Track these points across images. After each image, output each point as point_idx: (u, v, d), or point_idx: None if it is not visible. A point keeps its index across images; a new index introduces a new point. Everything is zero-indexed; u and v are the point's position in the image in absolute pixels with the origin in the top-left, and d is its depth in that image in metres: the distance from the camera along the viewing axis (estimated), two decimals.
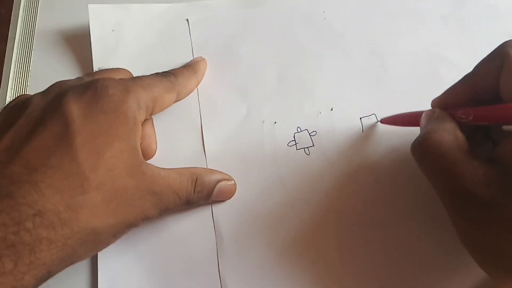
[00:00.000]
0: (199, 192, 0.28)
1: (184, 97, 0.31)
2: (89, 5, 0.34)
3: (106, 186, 0.23)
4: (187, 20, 0.34)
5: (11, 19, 0.37)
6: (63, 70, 0.34)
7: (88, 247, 0.24)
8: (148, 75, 0.29)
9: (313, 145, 0.30)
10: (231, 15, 0.34)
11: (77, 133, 0.23)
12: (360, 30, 0.33)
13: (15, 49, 0.35)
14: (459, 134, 0.23)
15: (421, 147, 0.24)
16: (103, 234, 0.24)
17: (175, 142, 0.31)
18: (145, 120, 0.29)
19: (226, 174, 0.30)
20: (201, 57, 0.33)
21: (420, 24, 0.33)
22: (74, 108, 0.24)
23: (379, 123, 0.30)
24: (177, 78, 0.30)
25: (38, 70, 0.35)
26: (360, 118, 0.31)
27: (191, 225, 0.29)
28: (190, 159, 0.30)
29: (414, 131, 0.28)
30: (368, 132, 0.30)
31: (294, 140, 0.31)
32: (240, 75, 0.32)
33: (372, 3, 0.34)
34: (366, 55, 0.33)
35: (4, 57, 0.36)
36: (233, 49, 0.33)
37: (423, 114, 0.26)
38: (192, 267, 0.28)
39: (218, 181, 0.29)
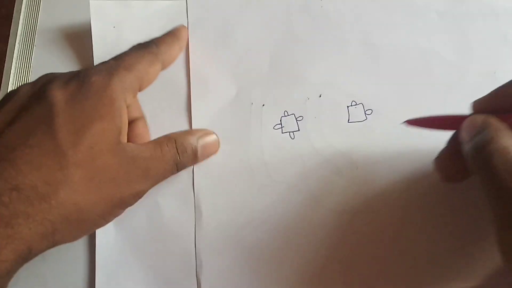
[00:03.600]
0: (183, 153, 0.28)
1: (169, 65, 0.31)
2: (90, 1, 0.34)
3: (86, 163, 0.24)
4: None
5: (13, 15, 0.37)
6: (64, 67, 0.34)
7: (71, 225, 0.24)
8: (130, 51, 0.29)
9: (299, 130, 0.31)
10: None
11: (57, 114, 0.24)
12: (356, 20, 0.33)
13: (16, 45, 0.36)
14: None
15: (486, 151, 0.21)
16: (86, 212, 0.24)
17: (163, 120, 0.31)
18: (137, 119, 0.30)
19: (205, 129, 0.30)
20: (182, 24, 0.33)
21: (416, 18, 0.33)
22: (58, 94, 0.25)
23: (404, 123, 0.27)
24: (159, 47, 0.29)
25: (40, 66, 0.35)
26: (348, 107, 0.31)
27: (172, 198, 0.30)
28: None
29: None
30: (354, 121, 0.31)
31: (281, 123, 0.31)
32: (233, 56, 0.33)
33: None
34: (359, 46, 0.33)
35: (6, 55, 0.36)
36: (229, 31, 0.33)
37: (468, 121, 0.24)
38: (168, 239, 0.29)
39: (199, 138, 0.29)
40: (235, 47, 0.33)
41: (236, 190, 0.30)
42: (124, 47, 0.33)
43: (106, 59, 0.27)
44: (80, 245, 0.30)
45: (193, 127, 0.31)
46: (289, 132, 0.31)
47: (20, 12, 0.36)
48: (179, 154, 0.28)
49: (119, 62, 0.27)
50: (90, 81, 0.25)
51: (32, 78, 0.35)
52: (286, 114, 0.31)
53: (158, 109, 0.32)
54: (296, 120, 0.31)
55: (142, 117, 0.31)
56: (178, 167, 0.28)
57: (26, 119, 0.24)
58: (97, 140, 0.24)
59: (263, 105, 0.31)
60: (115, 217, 0.26)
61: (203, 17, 0.34)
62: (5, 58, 0.36)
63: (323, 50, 0.33)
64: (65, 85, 0.25)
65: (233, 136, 0.31)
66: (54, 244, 0.24)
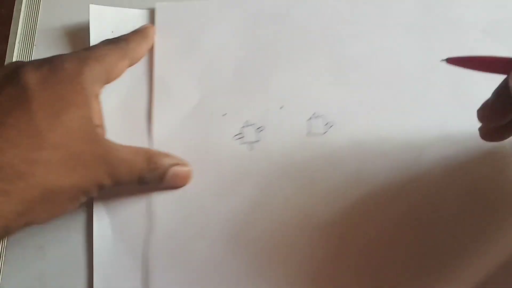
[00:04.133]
0: (152, 171, 0.28)
1: (136, 62, 0.31)
2: (90, 5, 0.34)
3: (62, 146, 0.24)
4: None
5: (13, 15, 0.37)
6: None
7: (45, 206, 0.24)
8: (101, 45, 0.29)
9: (258, 141, 0.31)
10: (200, 4, 0.34)
11: (34, 98, 0.24)
12: (323, 31, 0.33)
13: (16, 44, 0.36)
14: None
15: None
16: (59, 195, 0.25)
17: (122, 126, 0.31)
18: (97, 127, 0.30)
19: (183, 159, 0.30)
20: (150, 24, 0.33)
21: (384, 30, 0.32)
22: (31, 77, 0.25)
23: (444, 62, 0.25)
24: (128, 44, 0.30)
25: None
26: (308, 120, 0.31)
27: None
28: (136, 143, 0.30)
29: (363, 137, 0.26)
30: (313, 134, 0.30)
31: (240, 134, 0.31)
32: (198, 64, 0.33)
33: (337, 7, 0.33)
34: (325, 58, 0.32)
35: (6, 55, 0.36)
36: (195, 39, 0.33)
37: None
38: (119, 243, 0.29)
39: (173, 165, 0.29)
40: (201, 55, 0.33)
41: (191, 200, 0.30)
42: None
43: None
44: (78, 247, 0.30)
45: (154, 135, 0.31)
46: (249, 142, 0.31)
47: (20, 12, 0.37)
48: (147, 170, 0.28)
49: (90, 53, 0.28)
50: (62, 67, 0.26)
51: None
52: (246, 124, 0.31)
53: (118, 113, 0.32)
54: (257, 130, 0.31)
55: (101, 125, 0.31)
56: (140, 181, 0.28)
57: (0, 100, 0.24)
58: (73, 126, 0.25)
59: (225, 114, 0.31)
60: (79, 203, 0.26)
61: (170, 24, 0.34)
62: (5, 58, 0.37)
63: (288, 61, 0.32)
64: (37, 68, 0.26)
65: (193, 145, 0.31)
66: (26, 224, 0.24)
